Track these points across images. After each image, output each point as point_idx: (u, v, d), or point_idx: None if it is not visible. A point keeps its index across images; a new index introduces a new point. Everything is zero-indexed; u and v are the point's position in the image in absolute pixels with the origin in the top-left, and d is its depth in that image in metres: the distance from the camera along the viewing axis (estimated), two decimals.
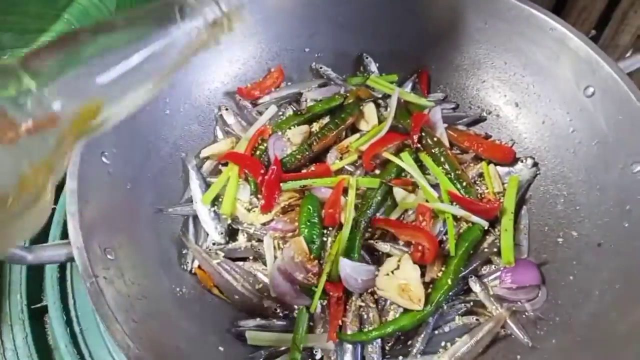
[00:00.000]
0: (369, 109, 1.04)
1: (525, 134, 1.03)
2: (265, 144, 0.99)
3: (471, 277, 0.88)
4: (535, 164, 0.99)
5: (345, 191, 0.91)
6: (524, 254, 0.92)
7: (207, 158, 1.01)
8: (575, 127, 0.95)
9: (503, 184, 0.98)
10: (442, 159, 0.95)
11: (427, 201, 0.90)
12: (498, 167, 1.00)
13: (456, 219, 0.90)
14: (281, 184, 0.93)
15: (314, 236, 0.87)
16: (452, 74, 1.11)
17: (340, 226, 0.89)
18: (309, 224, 0.88)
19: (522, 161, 0.99)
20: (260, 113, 1.06)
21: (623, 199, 0.85)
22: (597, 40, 1.39)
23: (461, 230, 0.90)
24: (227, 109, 1.05)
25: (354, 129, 1.03)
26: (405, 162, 0.94)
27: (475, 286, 0.87)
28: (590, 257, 0.85)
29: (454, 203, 0.90)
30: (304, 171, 0.97)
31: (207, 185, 0.96)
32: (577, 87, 0.94)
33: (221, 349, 0.80)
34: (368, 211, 0.90)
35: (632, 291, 0.76)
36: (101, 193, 0.78)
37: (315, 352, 0.81)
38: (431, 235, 0.86)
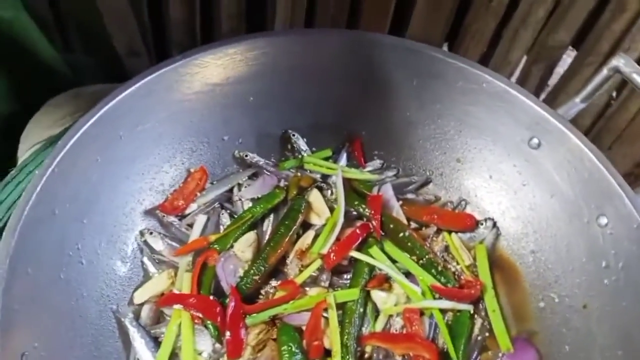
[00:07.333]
0: (315, 197, 0.92)
1: (474, 190, 0.99)
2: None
3: None
4: (494, 224, 0.95)
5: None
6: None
7: (144, 303, 0.83)
8: (526, 181, 0.93)
9: (470, 250, 0.93)
10: (410, 244, 0.87)
11: (407, 297, 0.83)
12: (459, 234, 0.95)
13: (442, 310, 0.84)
14: (246, 319, 0.79)
15: None
16: (385, 138, 1.02)
17: (327, 353, 0.78)
18: None
19: (481, 224, 0.95)
20: (190, 226, 0.90)
21: (596, 254, 0.83)
22: (489, 58, 1.41)
23: (448, 320, 0.84)
24: (151, 233, 0.87)
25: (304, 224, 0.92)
26: (378, 259, 0.85)
27: None
28: (579, 321, 0.83)
29: (437, 296, 0.84)
30: (264, 289, 0.84)
31: (155, 341, 0.79)
32: (519, 139, 0.91)
33: None
34: (352, 330, 0.79)
35: (637, 356, 0.75)
36: None
37: None
38: (429, 344, 0.78)
